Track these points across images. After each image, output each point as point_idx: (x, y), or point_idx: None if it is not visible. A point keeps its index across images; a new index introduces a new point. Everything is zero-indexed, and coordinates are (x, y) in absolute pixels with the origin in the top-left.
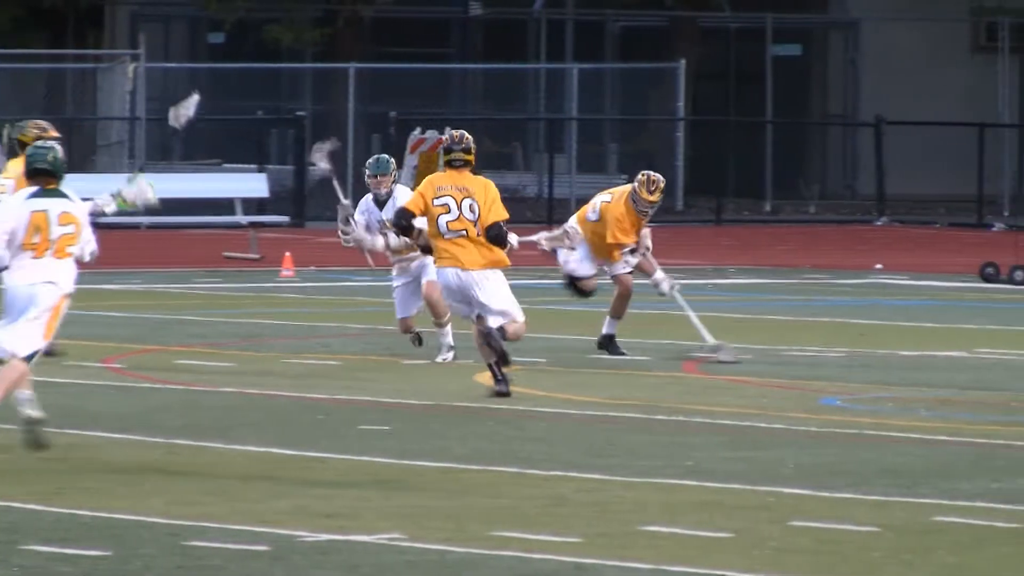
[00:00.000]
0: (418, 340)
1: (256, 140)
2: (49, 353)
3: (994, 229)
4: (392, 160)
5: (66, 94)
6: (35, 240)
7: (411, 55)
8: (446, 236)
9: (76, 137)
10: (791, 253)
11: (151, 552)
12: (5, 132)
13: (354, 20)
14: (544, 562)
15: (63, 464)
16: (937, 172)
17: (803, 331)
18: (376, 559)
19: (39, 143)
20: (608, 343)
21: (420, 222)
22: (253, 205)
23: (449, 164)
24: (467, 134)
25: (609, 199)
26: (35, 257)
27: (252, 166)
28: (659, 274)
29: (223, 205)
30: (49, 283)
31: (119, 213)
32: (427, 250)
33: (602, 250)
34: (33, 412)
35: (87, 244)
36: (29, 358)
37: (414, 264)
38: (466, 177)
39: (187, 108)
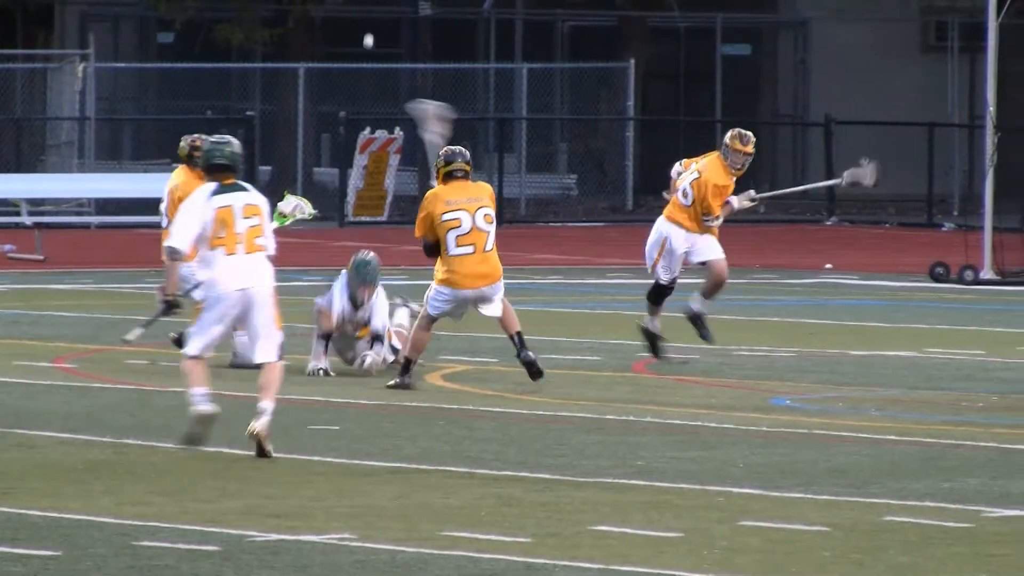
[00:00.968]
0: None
1: None
2: None
3: (944, 229)
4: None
5: (15, 94)
6: (221, 235)
7: (361, 55)
8: (452, 253)
9: (25, 137)
10: (741, 253)
11: (101, 552)
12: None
13: (304, 20)
14: (494, 562)
15: (12, 464)
16: (887, 172)
17: (753, 331)
18: (326, 559)
19: (215, 138)
20: (696, 321)
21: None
22: None
23: (451, 176)
24: (464, 150)
25: (697, 175)
26: (228, 254)
27: None
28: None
29: None
30: (259, 285)
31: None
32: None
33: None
34: (205, 408)
35: (270, 237)
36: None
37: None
38: (472, 187)
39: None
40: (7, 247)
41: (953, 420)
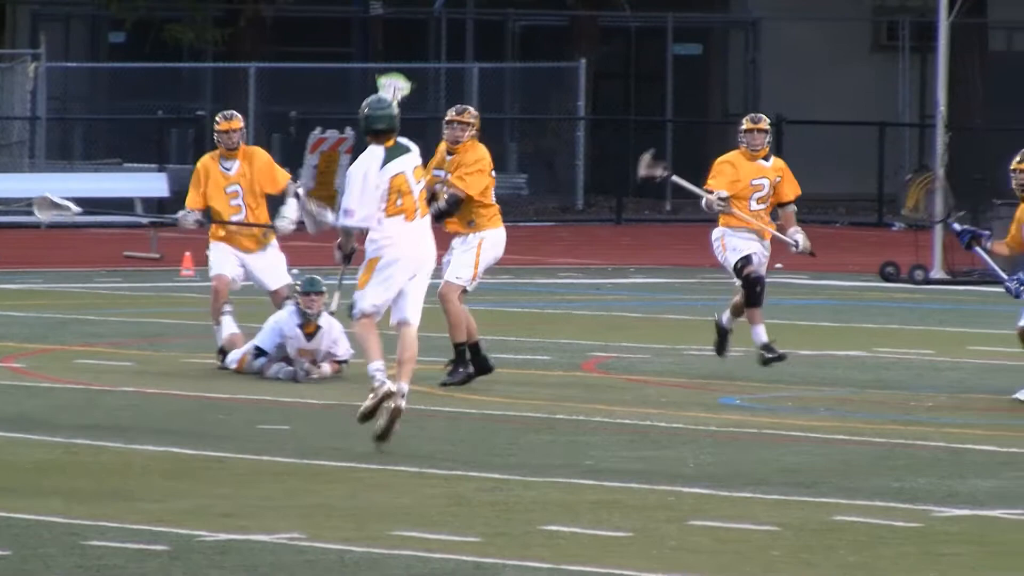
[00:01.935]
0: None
1: (156, 139)
2: None
3: (894, 229)
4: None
5: None
6: (399, 203)
7: (312, 55)
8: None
9: None
10: (691, 252)
11: (51, 552)
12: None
13: (255, 20)
14: (444, 561)
15: None
16: (837, 171)
17: (703, 331)
18: (275, 559)
19: (372, 102)
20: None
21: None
22: (153, 204)
23: None
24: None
25: None
26: (408, 220)
27: (152, 165)
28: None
29: (124, 204)
30: (431, 254)
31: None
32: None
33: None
34: (388, 387)
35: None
36: None
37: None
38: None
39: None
40: None
41: (903, 420)
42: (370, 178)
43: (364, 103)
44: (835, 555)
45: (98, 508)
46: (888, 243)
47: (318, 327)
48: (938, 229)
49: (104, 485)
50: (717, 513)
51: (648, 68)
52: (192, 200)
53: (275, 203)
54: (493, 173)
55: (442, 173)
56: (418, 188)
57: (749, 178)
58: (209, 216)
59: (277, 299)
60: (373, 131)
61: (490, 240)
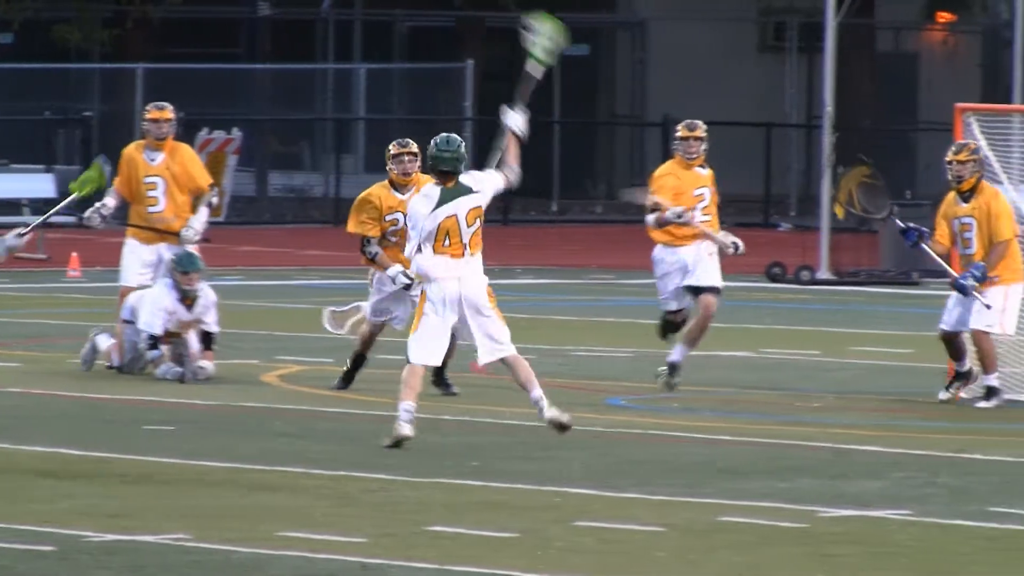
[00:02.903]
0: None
1: (43, 140)
2: None
3: (781, 229)
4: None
5: None
6: (447, 243)
7: (201, 55)
8: None
9: None
10: (578, 253)
11: None
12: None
13: (143, 20)
14: (329, 562)
15: None
16: (724, 172)
17: (590, 331)
18: (162, 559)
19: (440, 142)
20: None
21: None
22: (40, 205)
23: None
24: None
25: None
26: (453, 258)
27: (39, 167)
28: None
29: (10, 205)
30: (478, 287)
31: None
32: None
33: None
34: (405, 431)
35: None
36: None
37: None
38: None
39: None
40: None
41: (789, 420)
42: (421, 216)
43: (433, 141)
44: (720, 556)
45: None
46: (775, 243)
47: (196, 298)
48: (825, 230)
49: None
50: (602, 514)
51: None
52: (120, 183)
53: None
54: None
55: (400, 216)
56: (469, 231)
57: (691, 188)
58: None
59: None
60: (437, 172)
61: None
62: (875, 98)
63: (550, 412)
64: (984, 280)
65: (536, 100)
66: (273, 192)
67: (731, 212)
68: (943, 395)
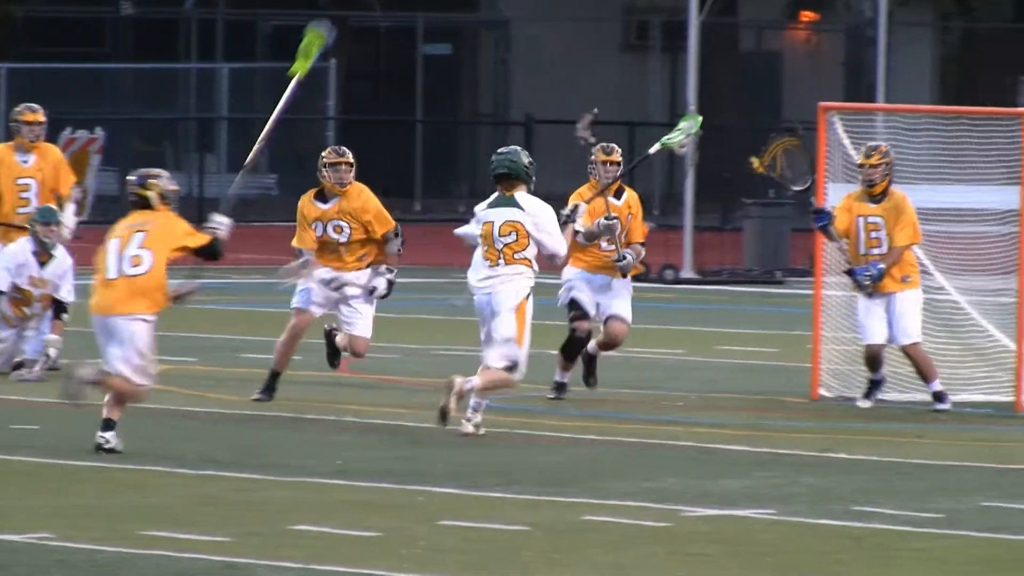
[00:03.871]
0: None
1: None
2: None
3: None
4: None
5: None
6: (484, 248)
7: (65, 55)
8: None
9: None
10: (441, 252)
11: None
12: None
13: (6, 20)
14: (194, 561)
15: None
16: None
17: (454, 330)
18: (26, 559)
19: (503, 148)
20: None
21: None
22: None
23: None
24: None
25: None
26: (487, 263)
27: None
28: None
29: None
30: (500, 294)
31: None
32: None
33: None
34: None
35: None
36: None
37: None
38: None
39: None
40: None
41: (654, 419)
42: (477, 215)
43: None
44: (585, 555)
45: None
46: None
47: (52, 256)
48: (688, 229)
49: None
50: (467, 513)
51: (399, 68)
52: None
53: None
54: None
55: (323, 225)
56: (501, 240)
57: (603, 214)
58: None
59: (46, 302)
60: (493, 176)
61: None
62: (738, 97)
63: (467, 427)
64: (880, 279)
65: (398, 100)
66: None
67: None
68: (864, 403)
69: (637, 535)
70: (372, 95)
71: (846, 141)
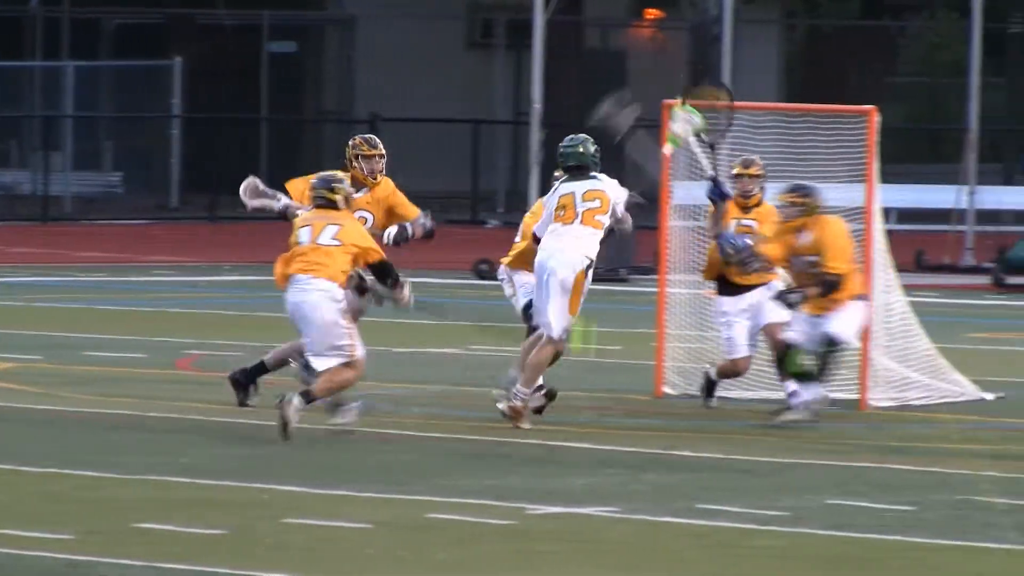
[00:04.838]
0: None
1: None
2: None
3: (488, 226)
4: None
5: None
6: (562, 214)
7: None
8: None
9: None
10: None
11: None
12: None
13: None
14: (37, 559)
15: None
16: (433, 169)
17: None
18: None
19: (568, 138)
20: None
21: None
22: None
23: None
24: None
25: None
26: (564, 223)
27: None
28: None
29: None
30: (567, 256)
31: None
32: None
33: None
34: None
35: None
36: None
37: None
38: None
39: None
40: None
41: (495, 418)
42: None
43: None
44: (429, 553)
45: None
46: (483, 240)
47: None
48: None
49: None
50: (311, 511)
51: (244, 66)
52: None
53: None
54: None
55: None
56: (584, 204)
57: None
58: None
59: None
60: (565, 168)
61: None
62: (583, 95)
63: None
64: (745, 251)
65: (242, 97)
66: None
67: (438, 209)
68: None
69: (482, 533)
70: (217, 93)
71: (691, 139)
